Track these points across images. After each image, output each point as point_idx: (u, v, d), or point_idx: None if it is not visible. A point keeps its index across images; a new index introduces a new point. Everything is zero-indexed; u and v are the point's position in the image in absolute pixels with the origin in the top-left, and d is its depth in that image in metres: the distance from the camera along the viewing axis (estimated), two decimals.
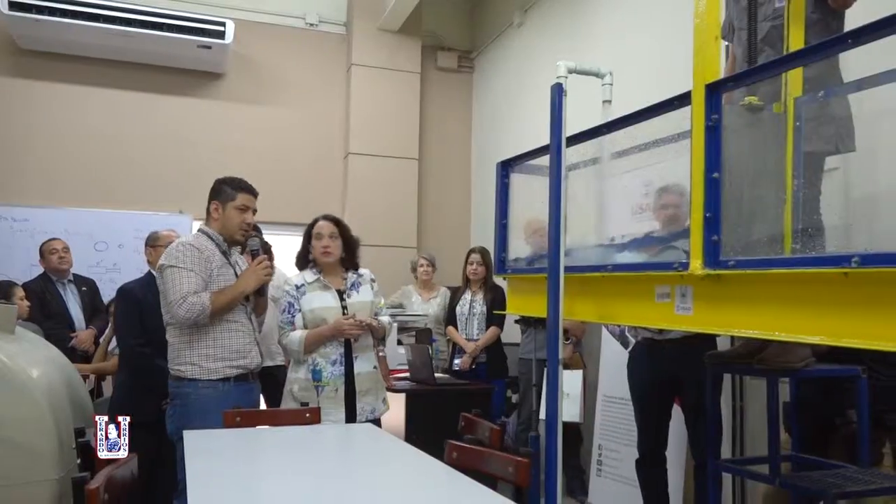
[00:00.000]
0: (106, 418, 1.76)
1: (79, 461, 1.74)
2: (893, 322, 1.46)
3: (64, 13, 5.41)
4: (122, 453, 1.81)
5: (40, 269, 4.81)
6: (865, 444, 2.39)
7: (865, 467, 2.38)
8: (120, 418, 1.82)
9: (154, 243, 3.77)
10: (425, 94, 7.01)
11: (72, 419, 2.89)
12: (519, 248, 3.20)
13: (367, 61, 6.71)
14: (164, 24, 5.68)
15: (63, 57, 5.94)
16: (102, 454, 1.75)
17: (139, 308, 3.41)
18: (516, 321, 4.25)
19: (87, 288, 4.76)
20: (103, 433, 1.75)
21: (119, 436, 1.80)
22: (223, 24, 5.87)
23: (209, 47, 5.92)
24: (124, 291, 3.52)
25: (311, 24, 6.79)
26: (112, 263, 5.83)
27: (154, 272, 3.60)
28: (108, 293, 5.01)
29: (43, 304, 4.46)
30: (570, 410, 4.24)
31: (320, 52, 6.80)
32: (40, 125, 5.91)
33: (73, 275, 4.74)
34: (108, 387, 4.74)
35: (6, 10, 5.35)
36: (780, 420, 2.72)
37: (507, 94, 6.52)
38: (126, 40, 5.72)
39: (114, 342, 4.37)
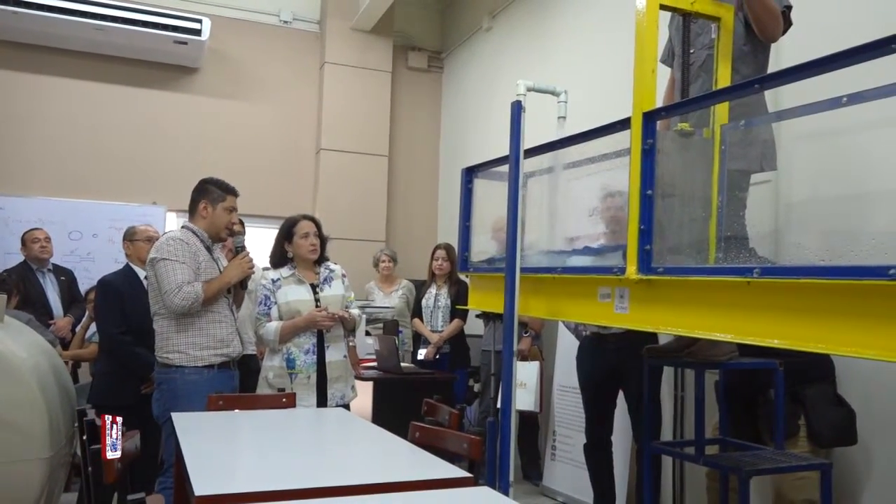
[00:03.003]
0: (110, 418, 1.85)
1: (84, 437, 1.92)
2: (784, 323, 1.75)
3: (42, 7, 5.52)
4: (117, 453, 1.88)
5: (14, 257, 4.97)
6: (781, 425, 2.71)
7: (781, 443, 2.71)
8: (117, 418, 1.87)
9: (132, 237, 3.92)
10: (396, 93, 7.23)
11: (58, 401, 3.09)
12: (481, 247, 3.46)
13: (340, 59, 6.90)
14: (141, 20, 5.81)
15: (41, 49, 6.03)
16: (110, 454, 1.83)
17: (120, 299, 3.61)
18: (477, 315, 4.51)
19: (66, 277, 4.93)
20: (111, 435, 1.85)
21: (116, 437, 1.88)
22: (200, 21, 6.01)
23: (185, 43, 6.06)
24: (105, 283, 3.70)
25: (286, 22, 6.96)
26: (86, 253, 5.97)
27: (132, 265, 3.79)
28: (82, 282, 5.17)
29: (22, 291, 4.61)
30: (526, 400, 4.52)
31: (294, 49, 6.97)
32: (16, 115, 6.01)
33: (53, 264, 4.90)
34: (83, 373, 4.92)
35: None
36: (717, 405, 3.05)
37: (475, 94, 6.77)
38: (104, 34, 5.85)
39: (91, 329, 4.55)
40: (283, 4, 6.96)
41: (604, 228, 3.13)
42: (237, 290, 3.24)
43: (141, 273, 3.73)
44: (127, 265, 3.85)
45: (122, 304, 3.59)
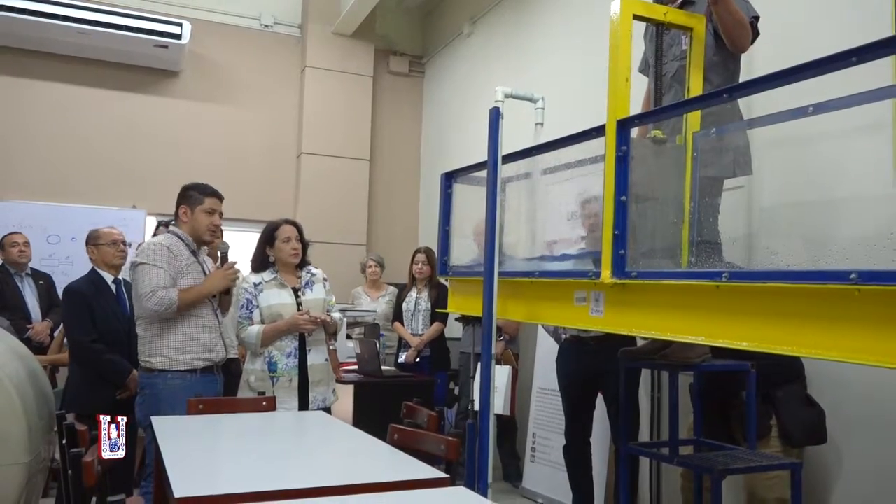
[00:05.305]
0: (108, 418, 1.86)
1: (63, 442, 1.93)
2: (752, 326, 1.80)
3: (22, 10, 5.48)
4: (121, 453, 1.91)
5: None
6: (753, 425, 2.78)
7: (754, 443, 2.77)
8: (119, 419, 1.89)
9: (95, 242, 3.74)
10: (377, 97, 7.25)
11: (36, 407, 3.08)
12: (461, 251, 3.50)
13: (321, 64, 6.92)
14: (122, 24, 5.79)
15: (20, 52, 6.00)
16: (106, 454, 1.85)
17: (88, 305, 3.51)
18: (457, 319, 4.54)
19: (44, 282, 4.90)
20: (106, 433, 1.86)
21: (119, 436, 1.89)
22: (180, 25, 6.01)
23: (166, 47, 6.05)
24: (71, 291, 3.59)
25: (266, 26, 6.97)
26: (65, 257, 5.93)
27: (98, 270, 3.71)
28: (60, 287, 5.11)
29: (0, 296, 4.58)
30: (496, 403, 4.53)
31: (275, 53, 6.98)
32: None
33: (31, 269, 4.87)
34: (61, 378, 4.88)
35: None
36: (691, 406, 3.11)
37: (456, 99, 6.82)
38: (84, 38, 5.82)
39: None
40: (263, 8, 6.96)
41: (582, 232, 3.19)
42: (223, 296, 3.26)
43: (108, 277, 3.66)
44: (93, 270, 3.71)
45: (91, 310, 3.50)
